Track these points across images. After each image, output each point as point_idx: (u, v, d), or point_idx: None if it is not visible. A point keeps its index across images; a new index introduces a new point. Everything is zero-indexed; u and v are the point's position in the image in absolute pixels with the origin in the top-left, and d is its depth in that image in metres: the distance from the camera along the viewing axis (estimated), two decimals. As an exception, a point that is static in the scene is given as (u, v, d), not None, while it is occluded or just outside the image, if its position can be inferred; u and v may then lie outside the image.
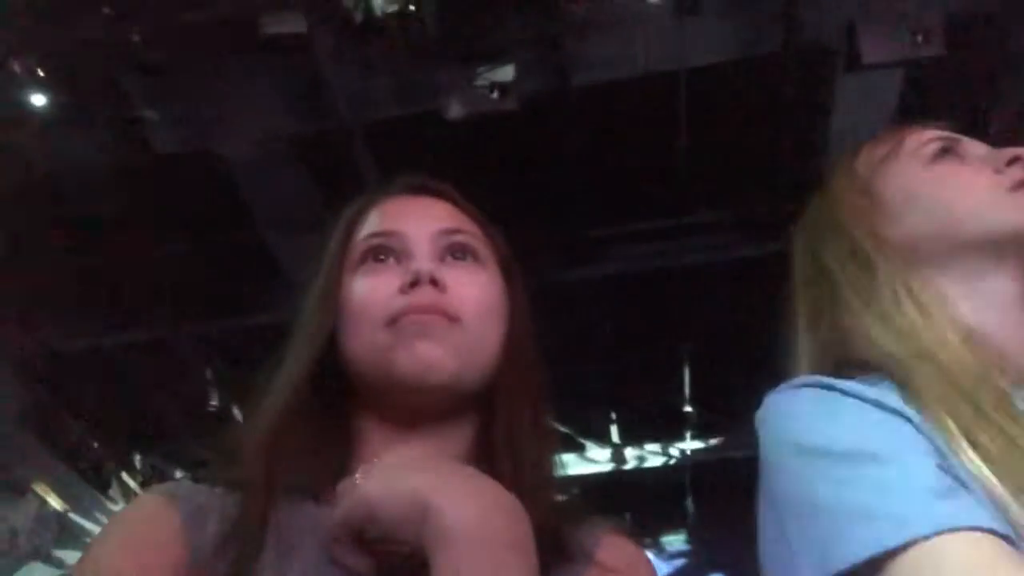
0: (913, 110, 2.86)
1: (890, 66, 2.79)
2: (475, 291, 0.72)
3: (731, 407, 4.16)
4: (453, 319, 0.69)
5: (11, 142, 2.96)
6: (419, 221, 0.75)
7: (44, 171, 3.09)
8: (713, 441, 4.63)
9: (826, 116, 3.00)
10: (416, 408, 0.69)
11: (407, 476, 0.58)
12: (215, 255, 3.43)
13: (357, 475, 0.61)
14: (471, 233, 0.76)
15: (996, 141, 0.79)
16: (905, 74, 2.87)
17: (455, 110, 2.78)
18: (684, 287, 3.65)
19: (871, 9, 2.71)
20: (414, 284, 0.69)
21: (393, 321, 0.68)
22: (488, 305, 0.72)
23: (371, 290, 0.71)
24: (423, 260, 0.71)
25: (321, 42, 2.78)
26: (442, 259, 0.73)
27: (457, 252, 0.74)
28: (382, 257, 0.73)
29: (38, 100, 2.81)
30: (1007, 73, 2.95)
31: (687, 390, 4.27)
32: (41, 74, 2.75)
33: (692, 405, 4.31)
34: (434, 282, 0.69)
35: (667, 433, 4.65)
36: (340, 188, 3.02)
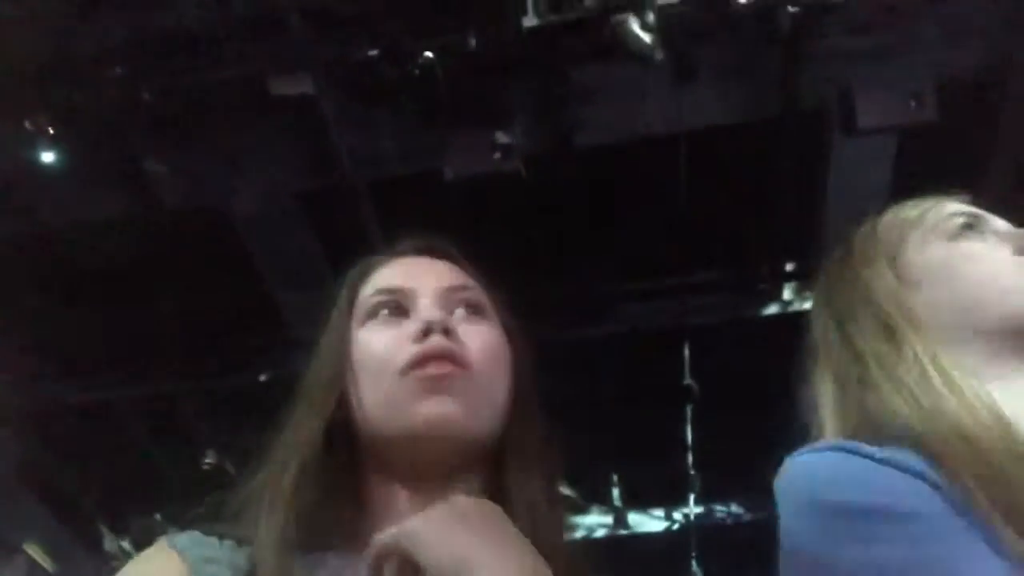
0: (908, 174, 2.91)
1: (885, 131, 2.85)
2: (483, 343, 0.73)
3: (737, 470, 4.11)
4: (465, 368, 0.70)
5: (20, 196, 3.00)
6: (426, 279, 0.76)
7: (50, 224, 3.12)
8: (718, 504, 4.56)
9: (823, 178, 3.04)
10: (427, 461, 0.69)
11: (456, 529, 0.58)
12: (219, 311, 3.44)
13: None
14: (476, 291, 0.78)
15: (992, 205, 0.80)
16: (900, 138, 2.92)
17: (459, 171, 2.83)
18: (688, 346, 3.65)
19: (866, 75, 2.78)
20: (426, 333, 0.70)
21: (407, 371, 0.69)
22: (496, 357, 0.74)
23: (383, 342, 0.72)
24: (434, 312, 0.72)
25: (328, 102, 2.84)
26: (451, 313, 0.74)
27: (466, 308, 0.75)
28: (393, 312, 0.74)
29: (48, 156, 2.86)
30: (1001, 137, 3.01)
31: (691, 452, 4.22)
32: (51, 131, 2.80)
33: (697, 468, 4.26)
34: (446, 332, 0.70)
35: (671, 496, 4.58)
36: (345, 246, 3.06)
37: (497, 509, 0.62)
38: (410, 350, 0.70)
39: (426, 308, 0.73)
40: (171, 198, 3.08)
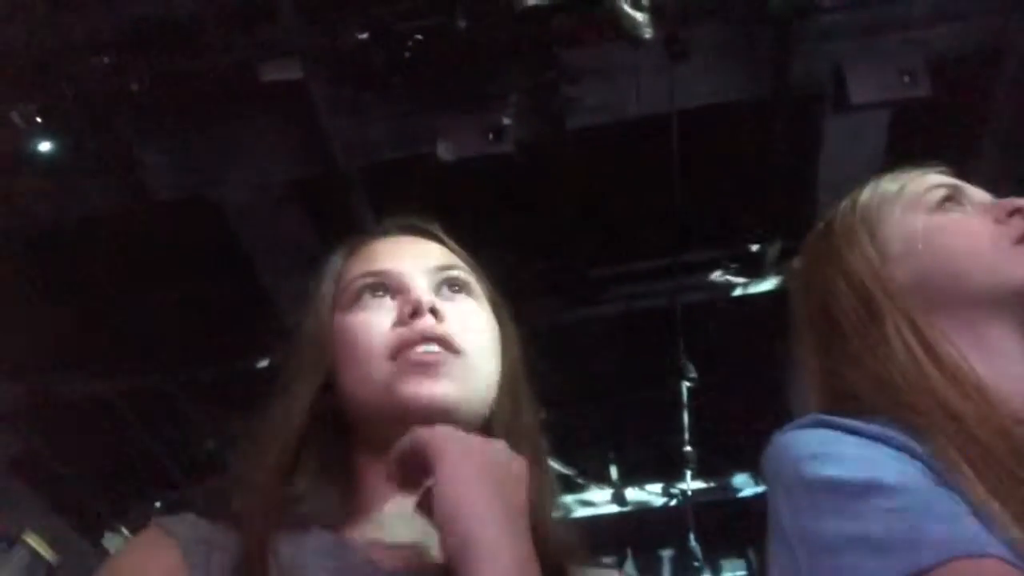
0: (901, 150, 2.91)
1: (878, 106, 2.85)
2: (472, 322, 0.73)
3: (733, 446, 4.14)
4: (454, 350, 0.70)
5: (9, 188, 2.98)
6: (413, 259, 0.76)
7: (40, 217, 3.10)
8: (714, 481, 4.59)
9: (815, 156, 3.04)
10: None
11: (480, 494, 0.58)
12: (213, 300, 3.43)
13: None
14: (463, 269, 0.77)
15: (984, 181, 0.80)
16: (893, 114, 2.92)
17: (451, 153, 2.81)
18: (682, 326, 3.66)
19: (858, 51, 2.77)
20: (414, 314, 0.70)
21: (396, 353, 0.69)
22: (485, 337, 0.74)
23: (370, 324, 0.72)
24: (421, 292, 0.72)
25: (318, 88, 2.82)
26: (438, 292, 0.74)
27: (453, 287, 0.75)
28: (379, 294, 0.74)
29: (35, 147, 2.84)
30: (994, 112, 3.01)
31: (687, 430, 4.24)
32: (38, 121, 2.78)
33: (693, 445, 4.28)
34: (434, 312, 0.70)
35: (668, 473, 4.61)
36: (337, 232, 3.04)
37: (522, 474, 0.62)
38: (398, 332, 0.70)
39: (413, 289, 0.72)
40: (162, 188, 3.06)
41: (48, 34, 2.60)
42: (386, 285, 0.74)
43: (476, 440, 0.63)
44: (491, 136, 2.77)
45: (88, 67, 2.68)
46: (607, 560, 0.74)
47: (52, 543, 4.13)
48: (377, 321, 0.71)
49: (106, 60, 2.67)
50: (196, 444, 3.92)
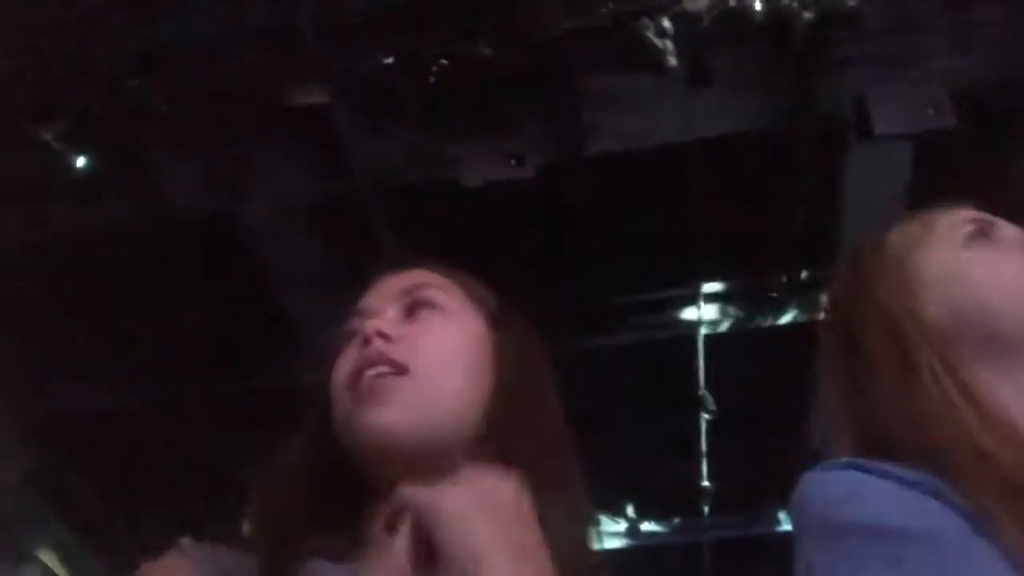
0: (926, 182, 2.88)
1: (902, 138, 2.82)
2: (432, 339, 0.73)
3: (752, 482, 4.08)
4: (401, 370, 0.69)
5: (34, 204, 3.03)
6: (382, 291, 0.78)
7: (63, 232, 3.14)
8: (732, 517, 4.52)
9: (839, 187, 3.02)
10: (400, 469, 0.68)
11: (477, 518, 0.56)
12: (231, 319, 3.45)
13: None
14: (436, 287, 0.77)
15: (1009, 213, 0.79)
16: (917, 146, 2.89)
17: (472, 178, 2.82)
18: (702, 355, 3.63)
19: (882, 81, 2.76)
20: (365, 344, 0.71)
21: (352, 385, 0.70)
22: (448, 352, 0.73)
23: (340, 363, 0.74)
24: (372, 321, 0.73)
25: (341, 112, 2.84)
26: (408, 316, 0.75)
27: (419, 307, 0.75)
28: (352, 336, 0.76)
29: (62, 166, 2.88)
30: (1019, 144, 2.97)
31: (705, 463, 4.19)
32: (65, 140, 2.82)
33: (710, 479, 4.23)
34: (382, 335, 0.70)
35: (685, 508, 4.54)
36: (357, 253, 3.06)
37: (521, 497, 0.59)
38: (353, 364, 0.72)
39: (367, 317, 0.74)
40: (185, 207, 3.09)
41: (76, 53, 2.65)
42: (356, 327, 0.76)
43: (470, 475, 0.60)
44: (512, 162, 2.78)
45: (114, 87, 2.72)
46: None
47: (65, 560, 4.14)
48: (345, 359, 0.74)
49: (132, 81, 2.72)
50: (212, 461, 3.92)
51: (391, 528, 0.58)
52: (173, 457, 4.07)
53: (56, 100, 2.74)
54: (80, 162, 2.87)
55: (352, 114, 2.86)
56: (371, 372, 0.70)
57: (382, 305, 0.76)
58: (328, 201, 3.14)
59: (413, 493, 0.58)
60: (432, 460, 0.68)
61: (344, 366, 0.73)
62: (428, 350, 0.71)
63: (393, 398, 0.68)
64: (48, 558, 4.08)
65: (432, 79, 2.69)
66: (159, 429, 3.94)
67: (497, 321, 0.77)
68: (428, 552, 0.56)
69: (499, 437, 0.70)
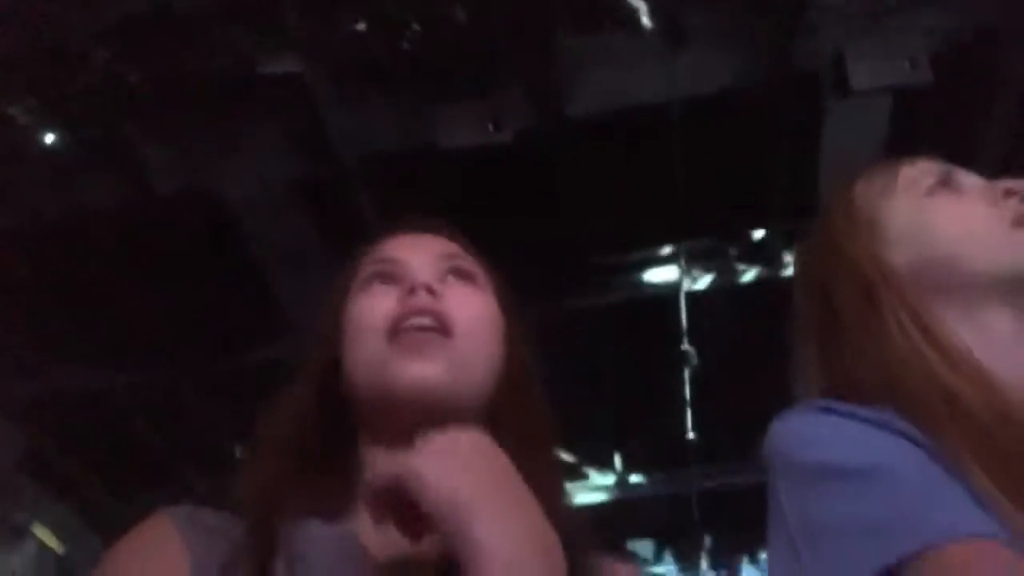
0: (904, 136, 2.90)
1: (879, 92, 2.83)
2: (471, 306, 0.74)
3: (736, 434, 4.15)
4: (447, 333, 0.70)
5: (10, 185, 2.98)
6: (419, 250, 0.78)
7: (43, 213, 3.10)
8: (718, 469, 4.60)
9: (817, 141, 3.03)
10: (416, 426, 0.69)
11: (456, 470, 0.57)
12: (213, 294, 3.44)
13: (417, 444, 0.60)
14: (469, 260, 0.80)
15: (986, 167, 0.81)
16: (895, 100, 2.90)
17: (451, 144, 2.81)
18: (685, 313, 3.66)
19: (860, 36, 2.76)
20: (411, 292, 0.72)
21: (392, 333, 0.70)
22: (484, 321, 0.75)
23: (371, 305, 0.74)
24: (421, 274, 0.74)
25: (316, 80, 2.81)
26: (442, 279, 0.76)
27: (456, 274, 0.77)
28: (385, 280, 0.76)
29: (37, 143, 2.84)
30: (997, 99, 2.99)
31: (690, 416, 4.25)
32: (40, 117, 2.78)
33: (696, 432, 4.29)
34: (430, 290, 0.71)
35: (672, 461, 4.62)
36: (339, 223, 3.05)
37: (494, 446, 0.61)
38: (395, 309, 0.71)
39: (415, 272, 0.74)
40: (162, 182, 3.06)
41: (46, 29, 2.60)
42: (392, 273, 0.76)
43: (446, 436, 0.61)
44: (491, 126, 2.76)
45: (86, 61, 2.67)
46: (611, 548, 0.74)
47: (61, 535, 4.16)
48: (379, 303, 0.73)
49: (104, 54, 2.67)
50: (199, 437, 3.93)
51: (378, 509, 0.59)
52: (164, 435, 4.08)
53: (28, 75, 2.68)
54: (54, 138, 2.83)
55: (327, 82, 2.83)
56: (416, 321, 0.69)
57: (419, 262, 0.76)
58: (305, 170, 3.12)
59: (386, 473, 0.59)
60: (452, 419, 0.69)
61: (378, 309, 0.72)
62: (469, 317, 0.73)
63: (438, 355, 0.69)
64: (43, 533, 4.10)
65: (406, 44, 2.66)
66: (149, 407, 3.94)
67: (506, 305, 0.79)
68: (417, 518, 0.57)
69: (505, 416, 0.73)
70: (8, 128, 2.77)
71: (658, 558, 4.98)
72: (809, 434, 0.63)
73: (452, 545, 0.55)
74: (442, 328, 0.70)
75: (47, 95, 2.73)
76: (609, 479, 4.73)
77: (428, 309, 0.70)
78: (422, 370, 0.68)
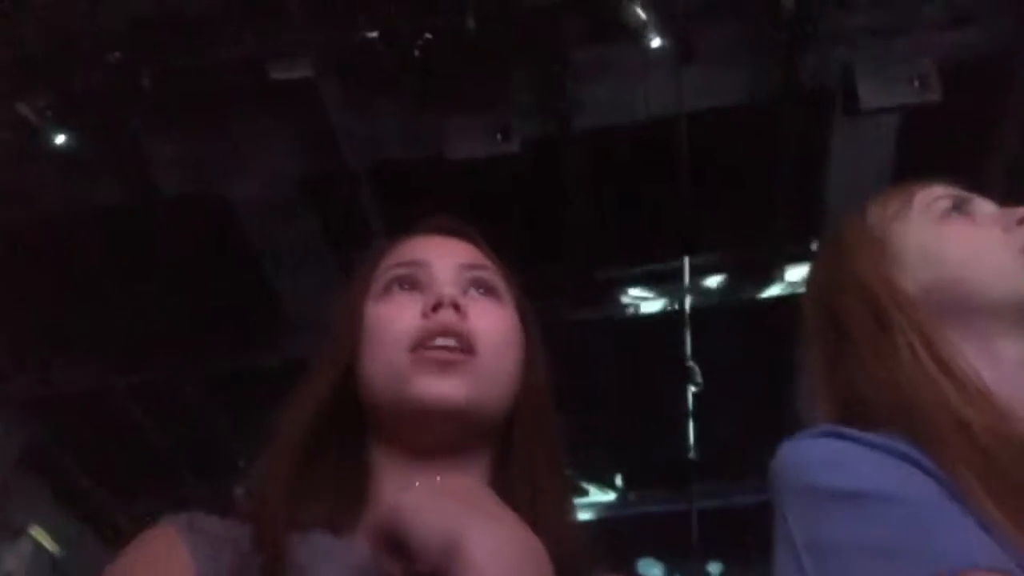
0: (911, 154, 2.90)
1: (888, 111, 2.84)
2: (494, 324, 0.73)
3: (737, 452, 4.13)
4: (471, 350, 0.69)
5: (19, 181, 2.99)
6: (443, 255, 0.76)
7: (50, 212, 3.11)
8: (719, 486, 4.58)
9: (825, 159, 3.03)
10: (431, 439, 0.69)
11: (442, 502, 0.57)
12: (218, 295, 3.44)
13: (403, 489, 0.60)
14: (492, 270, 0.77)
15: (992, 189, 0.80)
16: (903, 119, 2.91)
17: (459, 153, 2.81)
18: (689, 329, 3.66)
19: (869, 55, 2.76)
20: (436, 308, 0.70)
21: (415, 346, 0.69)
22: (506, 339, 0.73)
23: (394, 314, 0.72)
24: (445, 287, 0.72)
25: (327, 86, 2.82)
26: (464, 292, 0.74)
27: (479, 287, 0.75)
28: (407, 286, 0.74)
29: (46, 142, 2.85)
30: (1004, 119, 2.99)
31: (692, 434, 4.24)
32: (49, 116, 2.79)
33: (698, 450, 4.28)
34: (456, 307, 0.70)
35: (673, 478, 4.60)
36: (344, 230, 3.05)
37: (484, 487, 0.61)
38: (420, 324, 0.70)
39: (439, 283, 0.73)
40: (170, 183, 3.07)
41: (60, 28, 2.61)
42: (415, 277, 0.74)
43: (441, 481, 0.61)
44: (499, 136, 2.77)
45: (99, 62, 2.69)
46: (613, 565, 0.73)
47: (57, 536, 4.15)
48: (402, 313, 0.71)
49: (116, 55, 2.68)
50: (201, 437, 3.93)
51: (379, 547, 0.59)
52: (164, 435, 4.07)
53: (39, 76, 2.70)
54: (64, 138, 2.84)
55: (337, 89, 2.84)
56: (442, 341, 0.69)
57: (443, 270, 0.74)
58: (314, 174, 3.13)
59: (377, 517, 0.58)
60: (467, 438, 0.69)
61: (402, 320, 0.70)
62: (491, 335, 0.71)
63: (461, 374, 0.68)
64: (39, 534, 4.09)
65: (417, 53, 2.67)
66: (150, 408, 3.94)
67: (525, 318, 0.77)
68: (411, 559, 0.57)
69: (521, 420, 0.72)
70: (19, 127, 2.79)
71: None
72: (819, 458, 0.62)
73: (444, 570, 0.55)
74: (466, 348, 0.69)
75: (58, 95, 2.74)
76: (610, 496, 4.71)
77: (453, 329, 0.69)
78: (445, 388, 0.67)
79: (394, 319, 0.71)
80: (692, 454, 4.27)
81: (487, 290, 0.75)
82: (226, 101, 2.84)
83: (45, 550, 4.10)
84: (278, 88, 2.71)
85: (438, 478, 0.61)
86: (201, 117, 2.88)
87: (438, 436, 0.69)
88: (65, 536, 4.18)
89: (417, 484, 0.60)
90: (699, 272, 3.57)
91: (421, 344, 0.69)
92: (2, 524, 3.95)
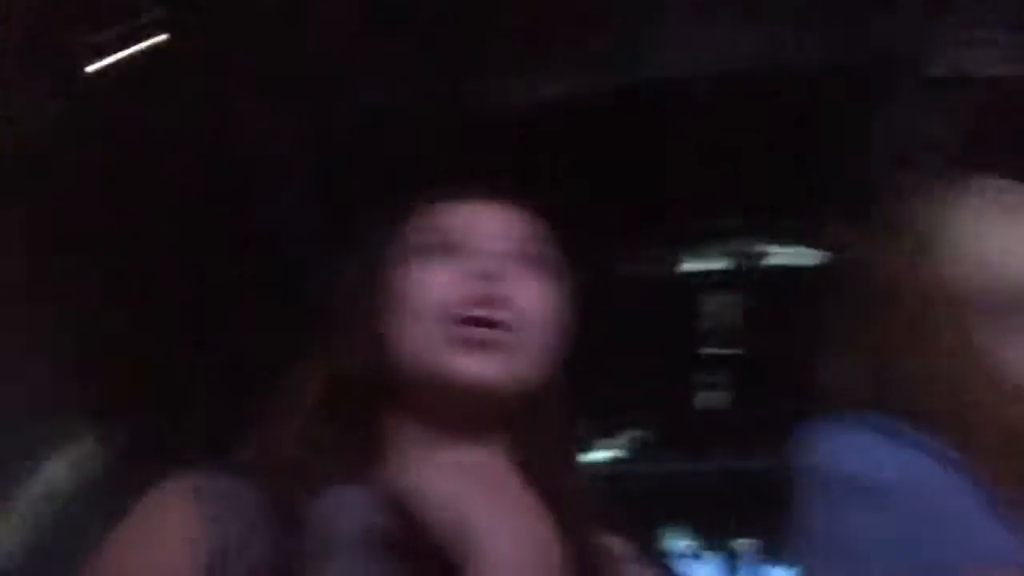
0: (978, 128, 2.77)
1: (957, 81, 2.71)
2: (536, 301, 0.71)
3: (763, 416, 4.11)
4: (509, 329, 0.68)
5: (26, 156, 2.89)
6: (485, 223, 0.73)
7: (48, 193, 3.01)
8: (727, 454, 4.58)
9: (876, 128, 2.93)
10: (458, 415, 0.68)
11: (460, 487, 0.58)
12: (224, 272, 3.37)
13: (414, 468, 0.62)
14: (540, 242, 0.75)
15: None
16: (972, 90, 2.78)
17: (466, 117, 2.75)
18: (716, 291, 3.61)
19: (937, 22, 2.64)
20: (478, 277, 0.68)
21: (452, 318, 0.67)
22: (546, 315, 0.71)
23: (431, 282, 0.69)
24: (490, 258, 0.70)
25: (337, 49, 2.75)
26: (508, 263, 0.71)
27: (523, 260, 0.72)
28: (443, 252, 0.71)
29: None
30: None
31: (702, 402, 4.22)
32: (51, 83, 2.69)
33: (707, 417, 4.27)
34: (497, 279, 0.69)
35: (683, 444, 4.60)
36: (350, 203, 2.96)
37: (505, 466, 0.62)
38: (458, 292, 0.68)
39: (480, 251, 0.70)
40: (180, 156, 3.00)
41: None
42: (454, 245, 0.71)
43: (441, 463, 0.62)
44: (521, 96, 2.71)
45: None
46: (629, 534, 0.73)
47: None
48: (440, 281, 0.69)
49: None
50: (212, 418, 3.87)
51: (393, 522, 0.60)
52: (169, 411, 4.03)
53: (45, 39, 2.61)
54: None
55: (347, 52, 2.75)
56: (480, 313, 0.67)
57: (485, 239, 0.71)
58: (329, 143, 3.03)
59: (391, 493, 0.60)
60: (495, 415, 0.69)
61: (439, 289, 0.68)
62: (532, 312, 0.69)
63: (498, 355, 0.67)
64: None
65: (442, 5, 2.60)
66: (156, 383, 3.88)
67: (565, 291, 0.75)
68: (426, 539, 0.57)
69: (540, 400, 0.71)
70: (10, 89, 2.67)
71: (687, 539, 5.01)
72: (845, 447, 0.63)
73: (453, 552, 0.56)
74: (506, 324, 0.67)
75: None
76: (619, 454, 4.73)
77: (497, 302, 0.67)
78: (482, 367, 0.66)
79: (431, 287, 0.69)
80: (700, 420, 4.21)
81: (531, 261, 0.72)
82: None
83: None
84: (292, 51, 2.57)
85: (456, 458, 0.62)
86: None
87: (466, 413, 0.68)
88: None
89: (437, 461, 0.61)
90: (729, 233, 3.51)
91: (459, 316, 0.67)
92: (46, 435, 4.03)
